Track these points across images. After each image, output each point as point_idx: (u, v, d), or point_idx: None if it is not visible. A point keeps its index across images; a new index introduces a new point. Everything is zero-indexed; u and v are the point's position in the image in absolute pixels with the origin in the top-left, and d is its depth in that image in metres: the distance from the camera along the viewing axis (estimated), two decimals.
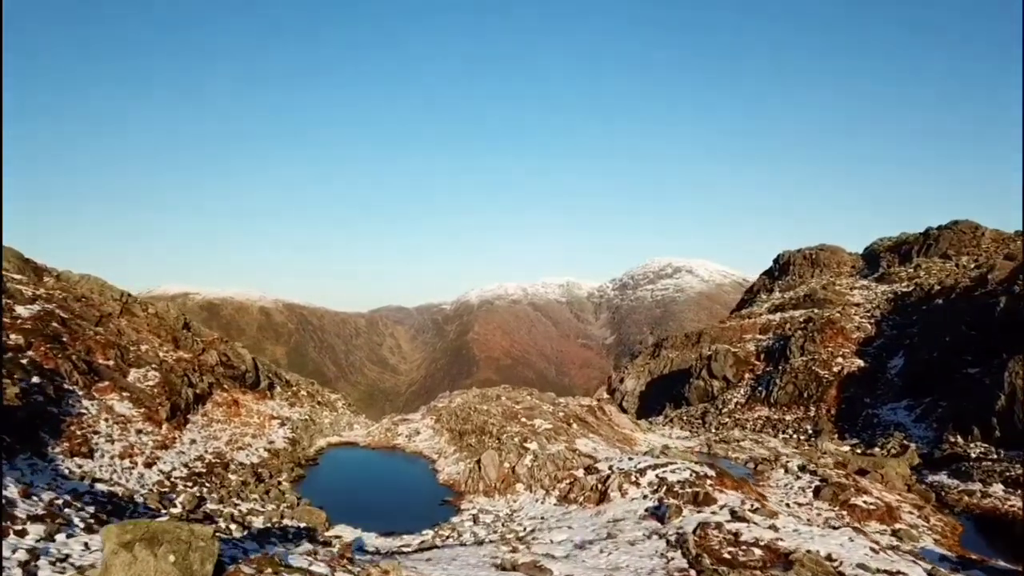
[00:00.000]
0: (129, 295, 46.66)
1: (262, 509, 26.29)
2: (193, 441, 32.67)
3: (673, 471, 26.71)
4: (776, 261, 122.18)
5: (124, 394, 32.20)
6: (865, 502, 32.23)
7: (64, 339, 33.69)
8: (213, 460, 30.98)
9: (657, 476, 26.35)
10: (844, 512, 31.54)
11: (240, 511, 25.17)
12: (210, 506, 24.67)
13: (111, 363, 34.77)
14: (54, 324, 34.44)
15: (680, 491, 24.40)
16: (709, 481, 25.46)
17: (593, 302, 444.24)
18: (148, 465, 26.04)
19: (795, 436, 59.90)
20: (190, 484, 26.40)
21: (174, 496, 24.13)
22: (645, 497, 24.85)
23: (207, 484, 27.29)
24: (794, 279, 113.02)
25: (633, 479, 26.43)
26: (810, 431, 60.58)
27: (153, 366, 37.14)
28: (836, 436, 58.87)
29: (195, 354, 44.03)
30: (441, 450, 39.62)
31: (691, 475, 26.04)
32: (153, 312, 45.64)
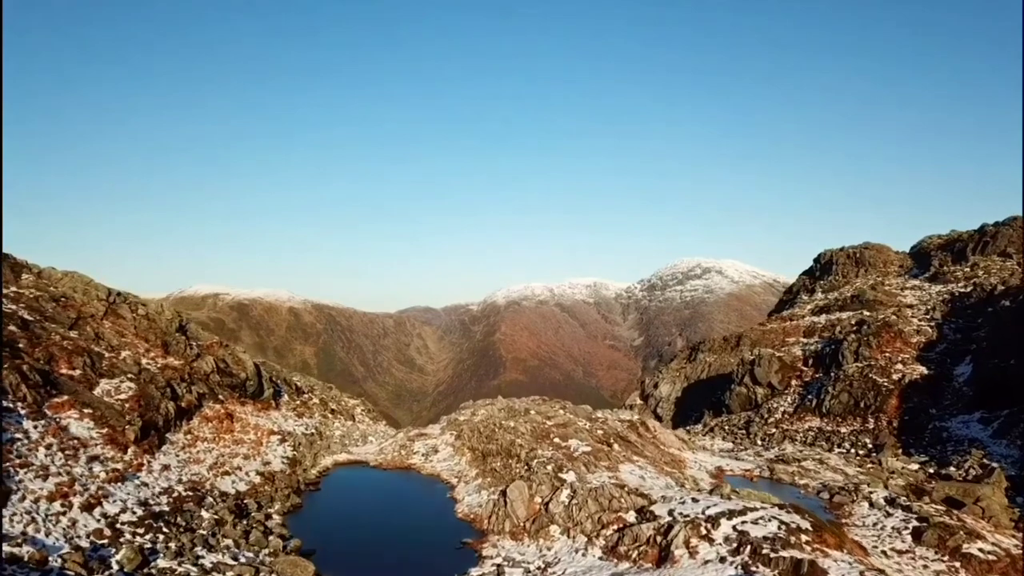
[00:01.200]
0: (118, 294, 41.46)
1: (233, 562, 20.55)
2: (166, 467, 27.11)
3: (755, 521, 20.53)
4: (817, 260, 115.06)
5: (86, 411, 26.74)
6: (981, 550, 25.71)
7: (20, 345, 28.36)
8: (185, 493, 25.31)
9: (735, 528, 20.17)
10: (956, 563, 25.06)
11: (203, 567, 19.49)
12: (162, 563, 18.95)
13: (77, 373, 29.39)
14: (11, 328, 29.13)
15: (771, 553, 18.18)
16: (805, 536, 19.24)
17: (621, 303, 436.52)
18: (88, 507, 20.40)
19: (852, 451, 53.19)
20: (142, 531, 20.65)
21: (112, 552, 18.48)
22: (723, 560, 18.67)
23: (167, 529, 21.57)
24: (837, 279, 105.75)
25: (703, 531, 20.29)
26: (870, 445, 53.80)
27: (130, 376, 31.71)
28: (900, 451, 52.11)
29: (187, 361, 38.61)
30: (461, 473, 33.77)
31: (779, 527, 19.84)
32: (143, 313, 40.33)
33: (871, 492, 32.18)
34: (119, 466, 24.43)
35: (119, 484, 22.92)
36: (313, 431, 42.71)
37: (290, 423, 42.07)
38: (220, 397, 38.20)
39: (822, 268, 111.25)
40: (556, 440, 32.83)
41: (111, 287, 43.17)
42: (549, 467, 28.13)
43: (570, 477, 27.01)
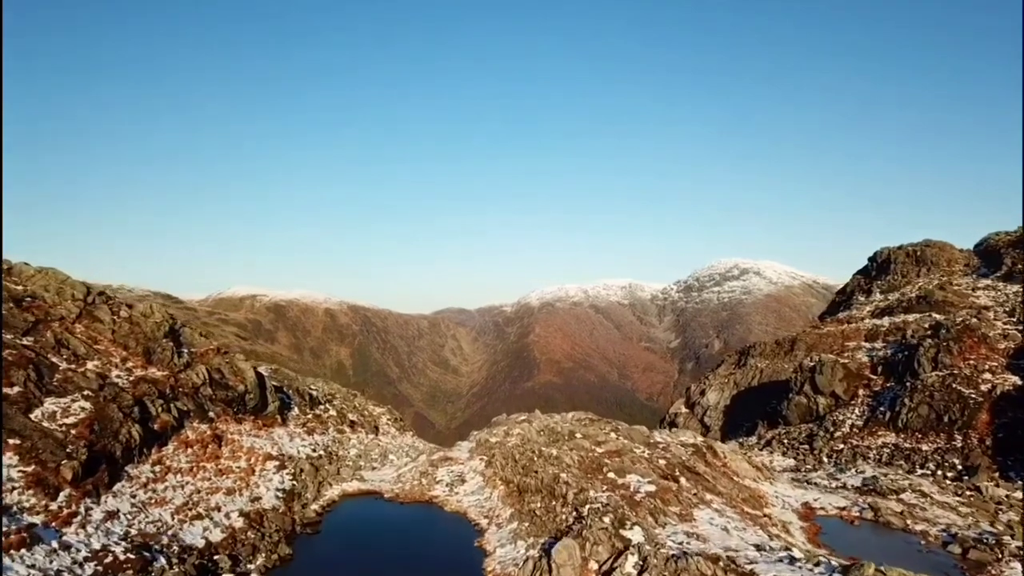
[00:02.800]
0: (100, 294, 35.42)
1: None
2: (112, 515, 20.71)
3: None
4: (873, 260, 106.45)
5: (11, 442, 20.54)
6: None
7: None
8: (124, 554, 18.76)
9: None
10: None
11: None
12: None
13: (14, 391, 23.21)
14: None
15: None
16: None
17: (657, 304, 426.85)
18: None
19: (939, 472, 45.29)
20: None
21: None
22: None
23: None
24: (896, 279, 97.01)
25: None
26: (959, 467, 45.81)
27: (87, 393, 25.49)
28: (997, 474, 44.17)
29: (172, 371, 32.36)
30: (492, 512, 26.98)
31: None
32: (126, 316, 34.20)
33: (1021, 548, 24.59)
34: (37, 519, 18.10)
35: (23, 551, 16.54)
36: (323, 452, 36.23)
37: (296, 443, 35.64)
38: (210, 414, 31.89)
39: (878, 267, 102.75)
40: (611, 475, 25.88)
41: (98, 285, 37.53)
42: (606, 518, 21.11)
43: (636, 536, 20.01)
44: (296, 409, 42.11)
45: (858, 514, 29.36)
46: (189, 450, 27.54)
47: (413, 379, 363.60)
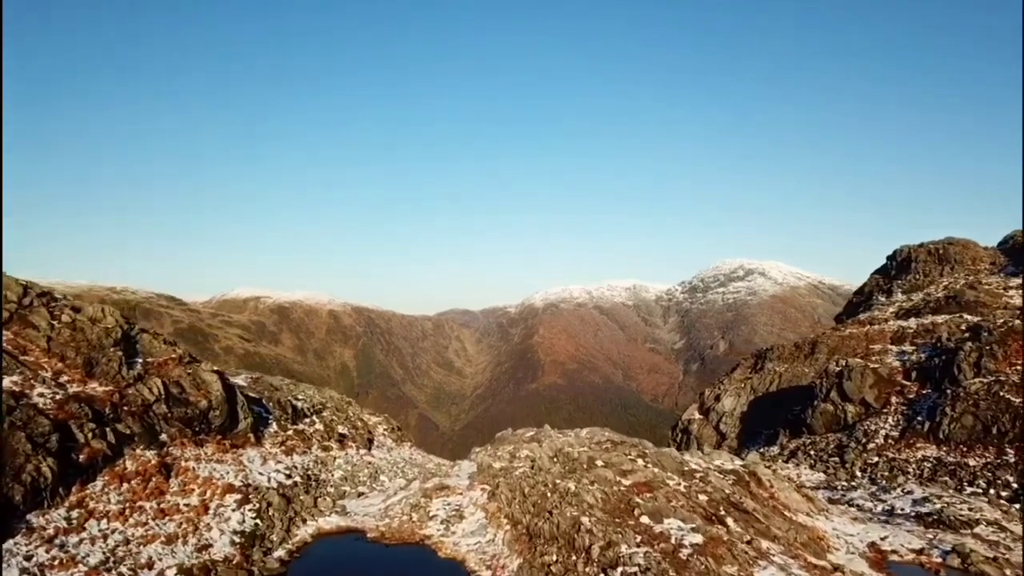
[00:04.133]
0: (41, 295, 29.99)
1: None
2: None
3: None
4: (892, 258, 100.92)
5: None
6: None
7: None
8: None
9: None
10: None
11: None
12: None
13: None
14: None
15: None
16: None
17: (661, 305, 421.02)
18: None
19: (991, 491, 39.74)
20: None
21: None
22: None
23: None
24: (918, 278, 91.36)
25: None
26: (1014, 485, 40.31)
27: None
28: None
29: (118, 386, 26.98)
30: (496, 561, 21.56)
31: None
32: (68, 321, 28.80)
33: None
34: None
35: None
36: (300, 477, 30.80)
37: (268, 468, 30.21)
38: (162, 437, 26.49)
39: (898, 266, 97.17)
40: (644, 519, 20.41)
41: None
42: None
43: None
44: (275, 425, 36.63)
45: (940, 560, 23.79)
46: (124, 486, 22.12)
47: (417, 381, 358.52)
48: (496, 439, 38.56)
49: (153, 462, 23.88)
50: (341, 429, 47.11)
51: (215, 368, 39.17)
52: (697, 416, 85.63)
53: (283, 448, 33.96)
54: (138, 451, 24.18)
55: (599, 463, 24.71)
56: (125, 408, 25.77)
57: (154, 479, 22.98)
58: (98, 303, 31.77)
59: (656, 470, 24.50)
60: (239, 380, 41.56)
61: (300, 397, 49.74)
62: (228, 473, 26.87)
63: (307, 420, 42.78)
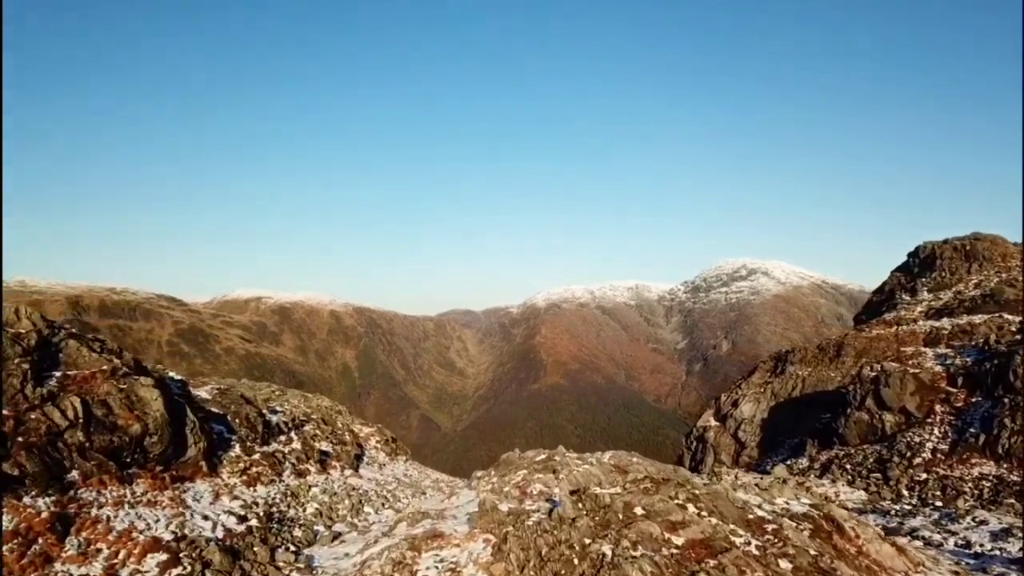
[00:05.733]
0: None
1: None
2: None
3: None
4: (914, 255, 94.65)
5: None
6: None
7: None
8: None
9: None
10: None
11: None
12: None
13: None
14: None
15: None
16: None
17: (664, 305, 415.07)
18: None
19: None
20: None
21: None
22: None
23: None
24: (944, 276, 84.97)
25: None
26: None
27: None
28: None
29: (17, 410, 20.74)
30: None
31: None
32: None
33: None
34: None
35: None
36: (259, 518, 24.51)
37: (218, 507, 23.92)
38: (70, 476, 20.21)
39: (921, 264, 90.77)
40: None
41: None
42: None
43: None
44: (238, 447, 30.27)
45: None
46: None
47: (419, 381, 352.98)
48: (501, 462, 32.21)
49: (43, 515, 17.60)
50: (324, 446, 40.82)
51: (168, 375, 32.89)
52: (713, 423, 79.14)
53: (245, 478, 27.67)
54: (26, 500, 17.90)
55: (638, 511, 18.43)
56: (21, 439, 19.49)
57: (38, 542, 16.71)
58: (12, 303, 25.42)
59: (714, 520, 18.24)
60: (203, 392, 35.22)
61: (280, 409, 43.47)
62: (158, 521, 20.57)
63: (282, 438, 36.44)
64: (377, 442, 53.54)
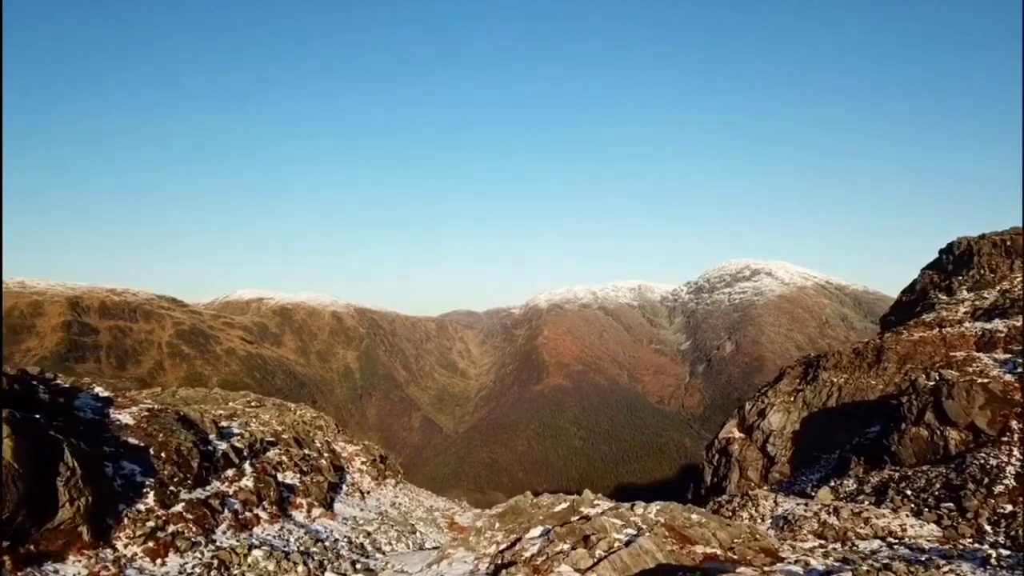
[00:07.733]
0: None
1: None
2: None
3: None
4: (948, 252, 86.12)
5: None
6: None
7: None
8: None
9: None
10: None
11: None
12: None
13: None
14: None
15: None
16: None
17: (667, 306, 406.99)
18: None
19: None
20: None
21: None
22: None
23: None
24: (984, 273, 76.51)
25: None
26: None
27: None
28: None
29: None
30: None
31: None
32: None
33: None
34: None
35: None
36: None
37: None
38: None
39: (956, 261, 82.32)
40: None
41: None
42: None
43: None
44: (151, 496, 21.87)
45: None
46: None
47: (421, 382, 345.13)
48: (507, 510, 23.82)
49: None
50: (288, 478, 32.40)
51: (91, 390, 24.43)
52: (737, 434, 70.33)
53: (150, 544, 19.36)
54: None
55: None
56: None
57: None
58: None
59: None
60: (125, 416, 26.77)
61: (238, 431, 34.96)
62: None
63: (229, 473, 28.06)
64: (362, 463, 45.31)
